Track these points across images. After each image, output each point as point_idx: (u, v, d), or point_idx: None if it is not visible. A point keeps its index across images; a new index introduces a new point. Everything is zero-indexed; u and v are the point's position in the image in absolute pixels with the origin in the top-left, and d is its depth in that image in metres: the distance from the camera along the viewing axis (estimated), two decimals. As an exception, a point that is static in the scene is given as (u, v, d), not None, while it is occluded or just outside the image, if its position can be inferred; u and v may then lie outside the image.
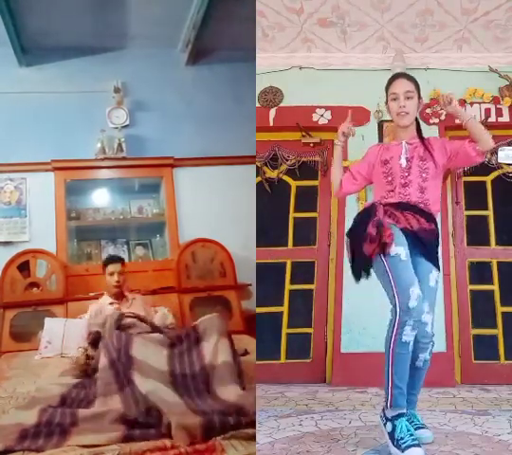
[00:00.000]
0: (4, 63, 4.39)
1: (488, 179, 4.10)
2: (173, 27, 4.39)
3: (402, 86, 2.42)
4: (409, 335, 2.15)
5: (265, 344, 3.72)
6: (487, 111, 4.05)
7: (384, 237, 2.21)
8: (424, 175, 2.40)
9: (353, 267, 2.37)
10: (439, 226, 3.80)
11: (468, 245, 4.00)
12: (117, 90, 4.47)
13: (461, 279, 3.94)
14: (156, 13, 4.14)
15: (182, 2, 4.02)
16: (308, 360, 3.88)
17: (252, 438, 1.84)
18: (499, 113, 4.06)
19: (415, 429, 2.25)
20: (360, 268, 2.34)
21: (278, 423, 2.65)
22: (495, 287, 3.93)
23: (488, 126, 4.01)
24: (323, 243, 4.06)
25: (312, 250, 4.07)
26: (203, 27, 4.20)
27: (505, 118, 4.05)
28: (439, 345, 3.68)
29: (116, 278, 3.73)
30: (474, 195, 4.09)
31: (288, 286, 4.03)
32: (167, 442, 1.83)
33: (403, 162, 2.41)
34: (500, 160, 4.01)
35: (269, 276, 3.95)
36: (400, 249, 2.22)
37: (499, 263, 3.97)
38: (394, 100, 2.42)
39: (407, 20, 3.81)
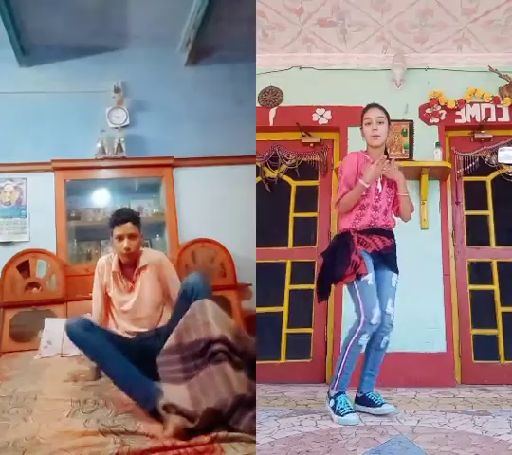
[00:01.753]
0: (4, 63, 4.39)
1: (488, 179, 4.10)
2: (173, 27, 4.40)
3: (375, 113, 2.83)
4: (363, 341, 2.72)
5: (265, 344, 3.72)
6: (487, 111, 4.05)
7: (361, 268, 2.70)
8: (389, 200, 2.86)
9: (321, 287, 2.86)
10: (439, 226, 3.88)
11: (468, 245, 4.00)
12: (117, 90, 4.47)
13: (461, 279, 3.94)
14: (156, 13, 4.14)
15: (182, 2, 4.02)
16: (308, 360, 3.88)
17: (252, 441, 1.84)
18: (499, 113, 4.06)
19: (380, 405, 2.79)
20: (326, 289, 2.85)
21: (278, 423, 2.65)
22: (495, 287, 3.93)
23: (488, 126, 4.04)
24: (323, 243, 4.05)
25: (312, 250, 4.07)
26: (203, 27, 4.20)
27: (505, 118, 4.05)
28: (439, 345, 3.71)
29: (125, 244, 2.83)
30: (474, 195, 4.09)
31: (288, 286, 4.03)
32: (166, 441, 1.83)
33: (379, 187, 2.82)
34: (500, 160, 4.01)
35: (269, 276, 3.95)
36: (369, 275, 2.72)
37: (499, 263, 3.97)
38: (368, 124, 2.82)
39: (407, 20, 3.80)
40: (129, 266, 2.95)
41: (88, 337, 2.46)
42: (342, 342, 2.81)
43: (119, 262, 2.96)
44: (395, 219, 2.94)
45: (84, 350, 2.51)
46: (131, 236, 2.84)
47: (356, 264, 2.71)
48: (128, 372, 2.35)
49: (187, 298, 2.61)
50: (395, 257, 2.87)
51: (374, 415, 2.76)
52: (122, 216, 2.90)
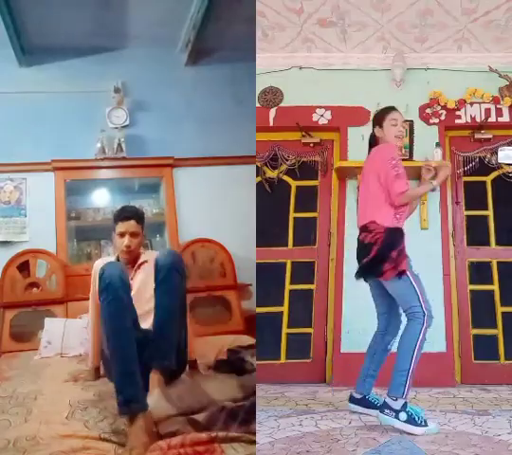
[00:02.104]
0: (4, 63, 4.39)
1: (488, 179, 4.10)
2: (173, 27, 4.39)
3: (400, 116, 2.89)
4: (424, 335, 2.60)
5: (265, 344, 3.72)
6: (487, 111, 4.05)
7: (403, 265, 2.63)
8: None
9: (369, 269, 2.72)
10: (439, 226, 3.88)
11: (468, 245, 4.00)
12: (117, 90, 4.47)
13: (461, 279, 3.94)
14: (156, 13, 4.14)
15: (182, 2, 4.02)
16: (308, 360, 3.88)
17: (252, 441, 1.84)
18: (499, 113, 4.06)
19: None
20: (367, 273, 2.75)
21: (278, 423, 2.65)
22: (495, 287, 3.93)
23: (488, 126, 4.04)
24: (323, 243, 4.06)
25: (312, 250, 4.07)
26: (203, 27, 4.20)
27: (505, 118, 4.05)
28: (439, 345, 3.70)
29: (126, 241, 2.79)
30: (474, 195, 4.09)
31: (288, 286, 4.03)
32: (162, 443, 1.83)
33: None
34: (500, 160, 4.01)
35: (269, 276, 3.95)
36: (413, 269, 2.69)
37: (499, 263, 3.97)
38: (395, 125, 2.84)
39: (407, 20, 3.80)
40: (128, 264, 2.89)
41: (119, 297, 2.28)
42: (402, 345, 2.62)
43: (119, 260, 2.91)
44: None
45: (107, 309, 2.26)
46: (133, 234, 2.80)
47: (395, 259, 2.65)
48: (131, 361, 2.17)
49: (156, 276, 2.57)
50: None
51: (374, 416, 2.75)
52: (126, 213, 2.85)
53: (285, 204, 4.17)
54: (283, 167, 4.17)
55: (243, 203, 4.05)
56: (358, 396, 2.85)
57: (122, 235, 2.80)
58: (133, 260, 2.89)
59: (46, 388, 2.62)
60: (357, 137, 4.01)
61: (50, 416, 2.16)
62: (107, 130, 4.45)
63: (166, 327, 2.49)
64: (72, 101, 4.44)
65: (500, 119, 4.06)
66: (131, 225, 2.80)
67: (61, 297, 4.00)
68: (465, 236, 4.01)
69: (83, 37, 4.37)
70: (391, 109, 2.92)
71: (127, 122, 4.51)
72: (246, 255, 4.09)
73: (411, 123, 4.05)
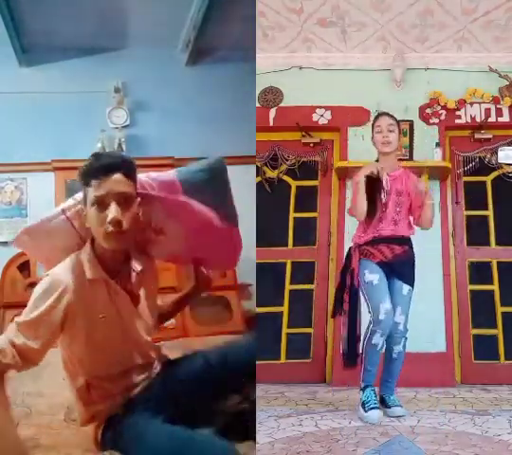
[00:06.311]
0: (4, 63, 4.40)
1: (488, 179, 4.09)
2: (174, 28, 4.40)
3: (385, 121, 2.87)
4: (377, 339, 2.72)
5: (265, 344, 3.71)
6: (487, 111, 4.05)
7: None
8: (397, 209, 2.83)
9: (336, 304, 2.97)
10: (439, 226, 3.88)
11: (468, 245, 4.00)
12: (117, 90, 4.49)
13: (461, 279, 3.94)
14: (156, 13, 4.15)
15: (182, 2, 4.03)
16: (308, 360, 3.88)
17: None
18: (499, 113, 4.06)
19: (390, 407, 2.78)
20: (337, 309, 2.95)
21: (278, 423, 2.65)
22: (495, 287, 3.93)
23: (488, 126, 4.04)
24: (323, 243, 4.06)
25: (312, 250, 4.07)
26: (203, 28, 4.21)
27: (505, 118, 4.05)
28: (439, 345, 3.71)
29: (112, 211, 1.58)
30: (474, 195, 4.09)
31: (288, 286, 4.03)
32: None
33: (383, 198, 2.79)
34: (500, 160, 4.01)
35: (269, 276, 3.95)
36: (373, 276, 2.77)
37: (499, 263, 3.96)
38: (379, 132, 2.85)
39: (407, 20, 3.80)
40: (116, 262, 1.75)
41: None
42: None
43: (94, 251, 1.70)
44: (413, 228, 2.91)
45: None
46: (122, 200, 1.61)
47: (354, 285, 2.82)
48: None
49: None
50: (409, 267, 2.87)
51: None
52: (105, 162, 1.68)
53: (285, 204, 4.17)
54: (283, 167, 4.17)
55: (243, 203, 4.03)
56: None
57: (103, 203, 1.60)
58: (122, 256, 1.72)
59: (47, 387, 2.62)
60: (357, 137, 4.01)
61: (50, 417, 2.16)
62: (107, 130, 4.46)
63: None
64: (72, 101, 4.45)
65: (500, 119, 4.06)
66: (116, 182, 1.61)
67: (61, 297, 3.99)
68: (465, 236, 4.01)
69: (83, 37, 4.38)
70: (378, 115, 2.95)
71: (127, 122, 4.52)
72: (247, 255, 4.06)
73: (411, 123, 4.04)
